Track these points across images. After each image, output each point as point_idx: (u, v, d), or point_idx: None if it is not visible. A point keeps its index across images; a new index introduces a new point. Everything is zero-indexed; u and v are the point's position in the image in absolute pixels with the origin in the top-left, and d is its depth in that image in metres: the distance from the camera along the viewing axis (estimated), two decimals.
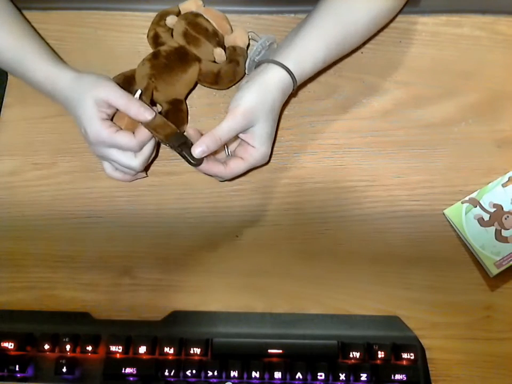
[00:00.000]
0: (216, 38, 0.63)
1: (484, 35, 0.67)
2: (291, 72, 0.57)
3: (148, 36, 0.65)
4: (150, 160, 0.60)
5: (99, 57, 0.67)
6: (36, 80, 0.60)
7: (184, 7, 0.64)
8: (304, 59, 0.58)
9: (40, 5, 0.69)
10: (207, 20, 0.63)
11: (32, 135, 0.64)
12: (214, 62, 0.63)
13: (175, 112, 0.62)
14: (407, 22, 0.68)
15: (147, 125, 0.56)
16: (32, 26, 0.65)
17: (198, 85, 0.65)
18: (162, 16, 0.64)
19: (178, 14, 0.64)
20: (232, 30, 0.65)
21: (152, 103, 0.62)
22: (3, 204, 0.63)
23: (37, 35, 0.64)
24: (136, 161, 0.57)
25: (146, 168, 0.62)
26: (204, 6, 0.65)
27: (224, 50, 0.63)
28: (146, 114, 0.56)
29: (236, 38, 0.64)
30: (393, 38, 0.67)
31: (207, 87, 0.65)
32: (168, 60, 0.61)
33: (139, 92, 0.59)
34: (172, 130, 0.57)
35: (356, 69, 0.66)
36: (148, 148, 0.58)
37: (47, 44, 0.64)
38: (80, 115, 0.57)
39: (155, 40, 0.64)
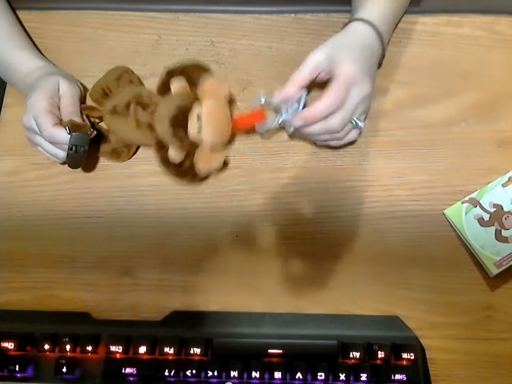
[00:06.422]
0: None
1: (484, 35, 0.67)
2: (363, 19, 0.58)
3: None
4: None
5: (99, 57, 0.67)
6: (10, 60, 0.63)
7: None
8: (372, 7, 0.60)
9: (40, 5, 0.70)
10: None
11: None
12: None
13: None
14: (407, 22, 0.68)
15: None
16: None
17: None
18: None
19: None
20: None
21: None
22: (3, 204, 0.63)
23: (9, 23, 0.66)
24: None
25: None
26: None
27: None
28: (72, 116, 0.58)
29: (212, 160, 0.59)
30: (393, 38, 0.67)
31: None
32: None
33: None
34: (84, 129, 0.57)
35: None
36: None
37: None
38: (43, 83, 0.59)
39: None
